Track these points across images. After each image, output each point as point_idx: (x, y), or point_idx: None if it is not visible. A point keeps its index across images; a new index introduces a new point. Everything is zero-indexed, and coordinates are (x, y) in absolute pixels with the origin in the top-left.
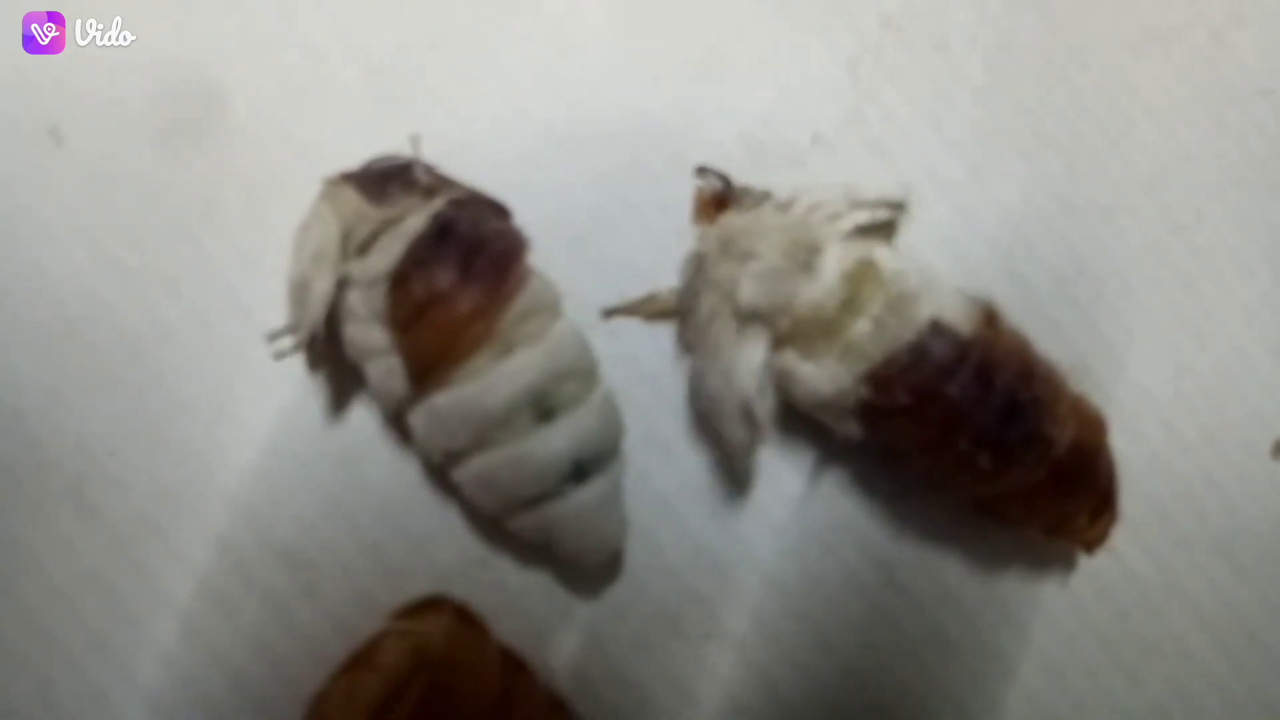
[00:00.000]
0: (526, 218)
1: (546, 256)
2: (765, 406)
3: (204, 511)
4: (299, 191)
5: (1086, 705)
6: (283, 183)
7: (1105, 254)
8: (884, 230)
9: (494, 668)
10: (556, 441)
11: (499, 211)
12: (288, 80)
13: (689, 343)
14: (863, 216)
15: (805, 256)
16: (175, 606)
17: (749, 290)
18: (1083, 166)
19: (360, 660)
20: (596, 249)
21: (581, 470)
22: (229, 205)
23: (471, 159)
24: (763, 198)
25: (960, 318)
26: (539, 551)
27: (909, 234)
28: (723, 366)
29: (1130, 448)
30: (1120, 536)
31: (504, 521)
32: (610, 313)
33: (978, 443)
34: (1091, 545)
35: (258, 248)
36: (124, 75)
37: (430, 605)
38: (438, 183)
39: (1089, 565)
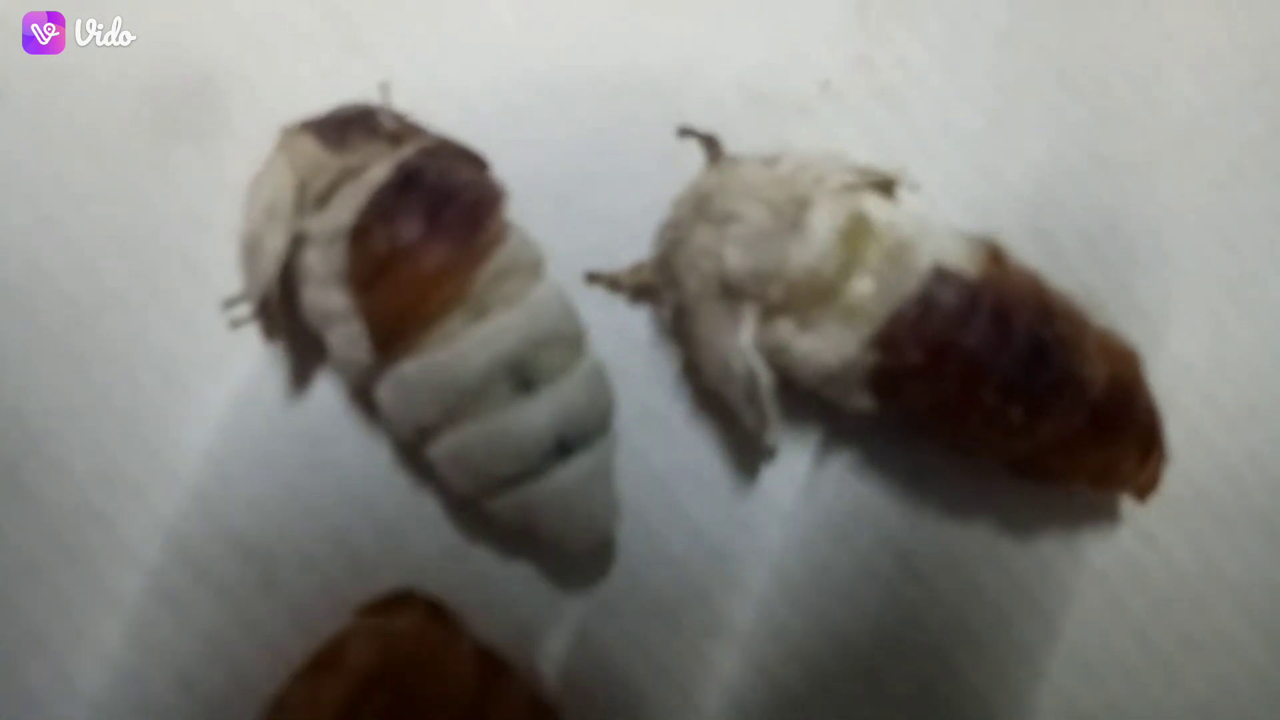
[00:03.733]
0: (507, 172)
1: (529, 214)
2: (765, 386)
3: (151, 497)
4: (257, 145)
5: (1121, 704)
6: (239, 135)
7: (1138, 212)
8: (878, 189)
9: (468, 668)
10: (537, 415)
11: (473, 161)
12: (243, 25)
13: (668, 323)
14: (852, 177)
15: (793, 213)
16: (119, 601)
17: (735, 257)
18: (1113, 117)
19: (324, 661)
20: (583, 207)
21: (565, 447)
22: (180, 159)
23: (447, 109)
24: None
25: (964, 259)
26: (523, 539)
27: (922, 190)
28: (719, 353)
29: (1167, 423)
30: (1157, 520)
31: (482, 503)
32: (593, 278)
33: (1005, 395)
34: (1144, 491)
35: (212, 205)
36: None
37: (399, 601)
38: (405, 130)
39: (1124, 551)
